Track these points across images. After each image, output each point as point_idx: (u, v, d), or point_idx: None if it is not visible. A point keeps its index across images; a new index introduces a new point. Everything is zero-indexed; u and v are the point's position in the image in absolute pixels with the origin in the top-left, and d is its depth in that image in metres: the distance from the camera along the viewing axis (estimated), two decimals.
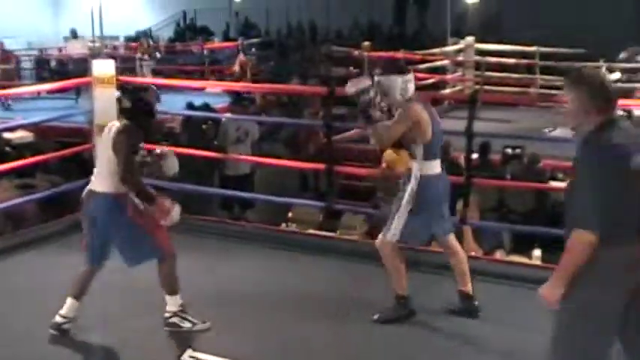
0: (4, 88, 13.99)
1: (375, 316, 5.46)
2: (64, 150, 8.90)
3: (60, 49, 22.73)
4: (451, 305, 5.61)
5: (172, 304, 5.28)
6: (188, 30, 30.24)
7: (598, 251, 3.43)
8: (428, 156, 5.36)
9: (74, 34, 20.59)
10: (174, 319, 5.27)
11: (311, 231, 8.35)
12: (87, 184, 5.29)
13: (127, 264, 5.23)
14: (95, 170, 5.22)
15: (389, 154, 9.84)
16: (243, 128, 9.82)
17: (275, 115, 13.19)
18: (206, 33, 27.73)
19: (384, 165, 9.75)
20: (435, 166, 5.42)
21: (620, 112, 6.54)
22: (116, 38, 27.15)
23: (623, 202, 3.47)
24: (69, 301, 5.19)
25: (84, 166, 8.72)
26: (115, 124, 5.16)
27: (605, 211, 3.41)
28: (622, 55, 15.20)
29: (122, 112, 5.24)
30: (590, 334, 3.53)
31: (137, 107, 5.19)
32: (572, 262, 3.49)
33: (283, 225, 8.69)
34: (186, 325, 5.29)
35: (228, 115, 10.07)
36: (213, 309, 5.69)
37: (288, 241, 7.43)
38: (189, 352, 4.95)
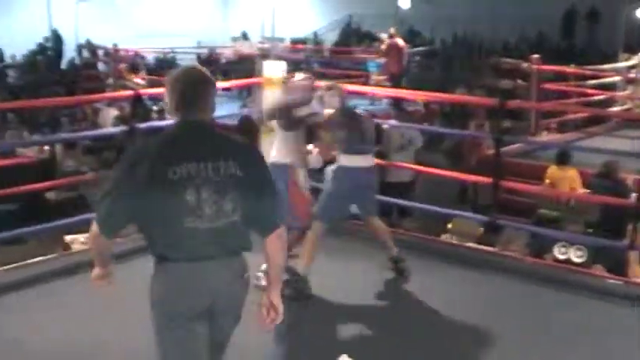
0: None
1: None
2: None
3: (233, 49, 23.33)
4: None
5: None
6: (353, 35, 30.41)
7: (158, 263, 3.31)
8: None
9: (245, 36, 21.12)
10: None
11: (470, 244, 8.21)
12: None
13: None
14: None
15: (553, 170, 9.62)
16: (407, 136, 9.78)
17: (437, 125, 13.10)
18: (370, 39, 27.82)
19: (547, 182, 9.53)
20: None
21: None
22: (282, 40, 27.62)
23: (157, 213, 3.20)
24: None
25: None
26: None
27: (121, 216, 3.25)
28: None
29: None
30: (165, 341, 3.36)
31: None
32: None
33: (443, 236, 8.59)
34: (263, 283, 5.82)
35: (393, 122, 10.03)
36: (356, 314, 5.78)
37: (446, 252, 7.35)
38: (344, 357, 4.96)
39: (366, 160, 6.32)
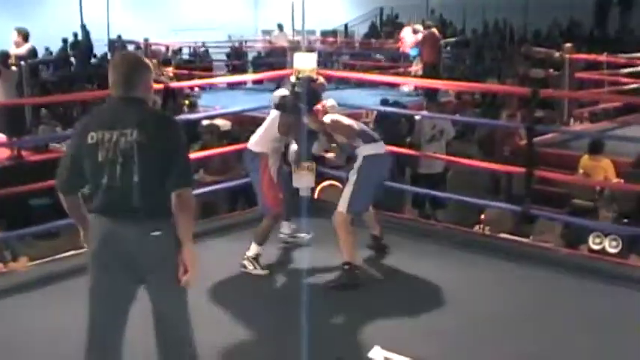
0: None
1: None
2: None
3: (270, 42, 23.37)
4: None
5: (252, 250, 6.35)
6: (383, 26, 30.32)
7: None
8: None
9: (280, 28, 21.19)
10: (246, 262, 6.32)
11: (504, 235, 8.14)
12: None
13: None
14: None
15: (585, 160, 9.52)
16: (438, 127, 9.71)
17: (469, 115, 13.01)
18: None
19: (580, 171, 9.44)
20: None
21: None
22: (312, 32, 27.61)
23: (83, 172, 3.74)
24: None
25: None
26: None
27: (71, 174, 3.81)
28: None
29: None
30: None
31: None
32: None
33: (476, 227, 8.53)
34: (250, 267, 6.31)
35: (424, 112, 9.98)
36: (389, 305, 5.75)
37: (479, 243, 7.29)
38: (377, 348, 4.93)
39: (384, 147, 6.33)
